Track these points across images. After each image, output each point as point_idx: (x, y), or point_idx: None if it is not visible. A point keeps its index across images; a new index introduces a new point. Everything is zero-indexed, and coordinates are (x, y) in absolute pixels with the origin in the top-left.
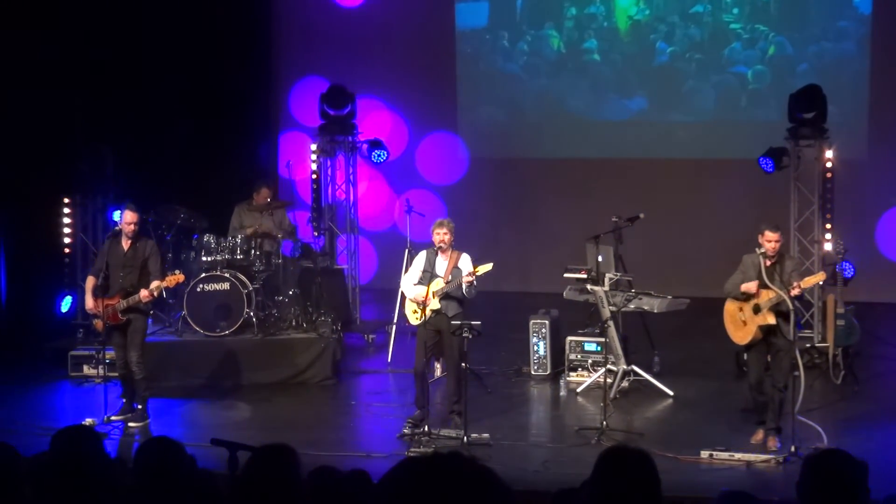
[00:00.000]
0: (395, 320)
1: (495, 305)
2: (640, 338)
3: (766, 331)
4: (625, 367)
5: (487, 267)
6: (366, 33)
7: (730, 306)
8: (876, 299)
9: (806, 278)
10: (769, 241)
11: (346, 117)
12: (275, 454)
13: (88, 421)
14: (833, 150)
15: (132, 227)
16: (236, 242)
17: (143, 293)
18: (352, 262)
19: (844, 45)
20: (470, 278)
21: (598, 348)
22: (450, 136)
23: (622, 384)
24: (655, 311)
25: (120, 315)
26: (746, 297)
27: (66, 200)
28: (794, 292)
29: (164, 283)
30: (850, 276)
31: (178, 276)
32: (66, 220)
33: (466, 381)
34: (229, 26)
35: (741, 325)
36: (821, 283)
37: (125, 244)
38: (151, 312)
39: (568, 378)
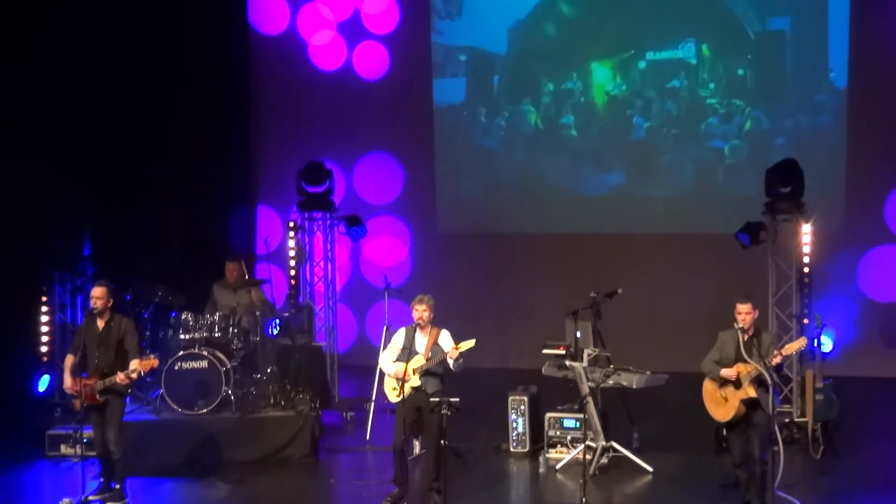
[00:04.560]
0: (373, 397)
1: (474, 381)
2: (620, 413)
3: (748, 405)
4: (604, 443)
5: (470, 343)
6: (343, 105)
7: (708, 385)
8: (854, 373)
9: (787, 345)
10: (740, 312)
11: (324, 194)
12: None
13: (65, 501)
14: (811, 224)
15: (99, 301)
16: (214, 320)
17: (120, 376)
18: (330, 338)
19: (821, 118)
20: (454, 354)
21: (577, 424)
22: (427, 211)
23: (601, 460)
24: (634, 386)
25: (97, 396)
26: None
27: (44, 279)
28: (776, 360)
29: (139, 367)
30: (828, 350)
31: (151, 361)
32: (44, 299)
33: (446, 458)
34: (207, 96)
35: (722, 402)
36: (801, 349)
37: (100, 323)
38: (130, 392)
39: (547, 455)
